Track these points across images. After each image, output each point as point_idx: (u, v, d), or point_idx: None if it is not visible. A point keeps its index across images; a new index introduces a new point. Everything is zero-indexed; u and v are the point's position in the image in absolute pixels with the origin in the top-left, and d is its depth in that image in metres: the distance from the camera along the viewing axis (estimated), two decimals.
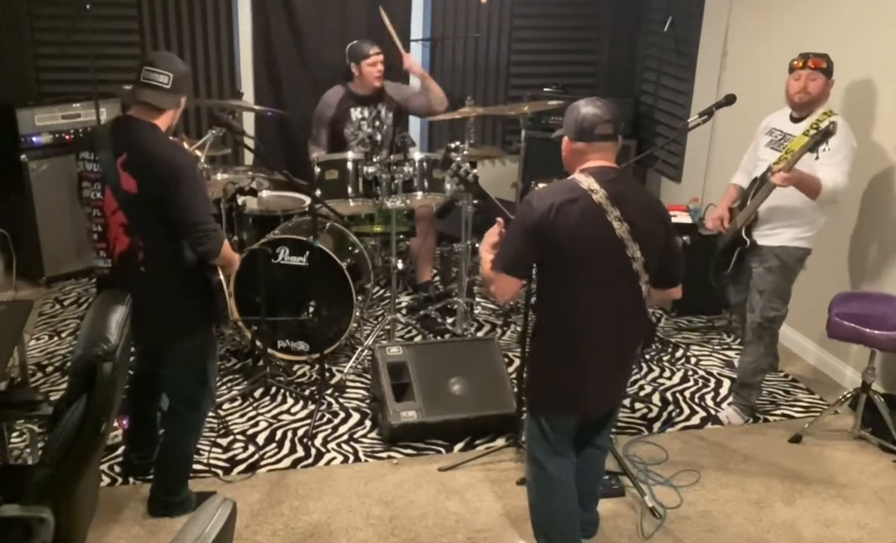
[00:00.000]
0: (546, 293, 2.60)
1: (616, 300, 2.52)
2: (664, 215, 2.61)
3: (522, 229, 2.48)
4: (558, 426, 2.65)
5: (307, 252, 4.00)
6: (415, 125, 5.77)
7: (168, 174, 2.65)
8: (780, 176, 3.37)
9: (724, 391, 4.15)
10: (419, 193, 4.10)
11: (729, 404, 3.98)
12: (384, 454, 3.54)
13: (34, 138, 4.83)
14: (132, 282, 2.72)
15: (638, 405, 3.98)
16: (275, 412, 3.82)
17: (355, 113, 4.76)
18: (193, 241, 2.72)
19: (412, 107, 4.91)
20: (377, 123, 4.60)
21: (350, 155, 4.14)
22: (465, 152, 4.36)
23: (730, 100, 3.76)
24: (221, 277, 2.88)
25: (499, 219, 2.74)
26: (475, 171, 3.03)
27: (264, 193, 4.49)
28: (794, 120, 3.67)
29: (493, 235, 2.68)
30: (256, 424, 3.71)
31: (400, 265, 4.42)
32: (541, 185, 4.65)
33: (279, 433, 3.65)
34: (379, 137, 4.68)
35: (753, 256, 3.74)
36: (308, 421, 3.72)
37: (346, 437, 3.65)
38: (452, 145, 4.12)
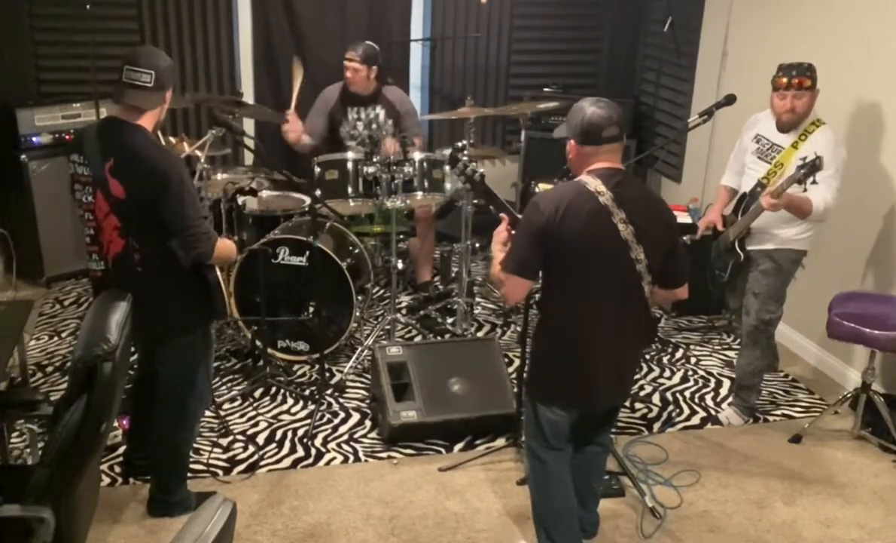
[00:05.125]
0: (550, 292, 2.61)
1: (619, 301, 2.53)
2: (669, 217, 2.62)
3: (530, 231, 2.50)
4: (557, 421, 2.65)
5: (307, 252, 4.00)
6: None
7: (154, 181, 2.63)
8: (769, 202, 3.36)
9: (724, 391, 4.15)
10: (419, 193, 4.10)
11: (729, 404, 3.98)
12: (384, 454, 3.54)
13: (34, 138, 4.83)
14: (129, 282, 2.72)
15: (638, 405, 3.98)
16: (275, 412, 3.82)
17: (351, 113, 4.75)
18: (183, 246, 2.70)
19: (402, 125, 4.81)
20: (374, 125, 4.58)
21: (350, 155, 4.13)
22: (466, 152, 4.35)
23: (730, 100, 3.76)
24: (219, 274, 2.88)
25: (503, 215, 2.76)
26: (482, 170, 3.02)
27: (264, 193, 4.49)
28: (781, 129, 3.65)
29: (501, 233, 2.70)
30: (256, 424, 3.71)
31: (400, 265, 4.42)
32: (541, 185, 4.67)
33: (279, 433, 3.65)
34: (376, 139, 4.66)
35: (748, 261, 3.73)
36: (308, 421, 3.72)
37: (346, 437, 3.65)
38: (459, 144, 4.12)
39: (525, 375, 3.01)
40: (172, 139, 3.48)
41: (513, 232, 2.69)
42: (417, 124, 4.90)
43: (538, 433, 2.69)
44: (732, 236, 3.73)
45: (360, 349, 4.27)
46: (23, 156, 4.77)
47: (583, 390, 2.62)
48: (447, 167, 4.07)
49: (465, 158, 2.98)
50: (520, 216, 2.66)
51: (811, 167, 3.29)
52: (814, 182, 3.32)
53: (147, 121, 2.72)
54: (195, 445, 3.39)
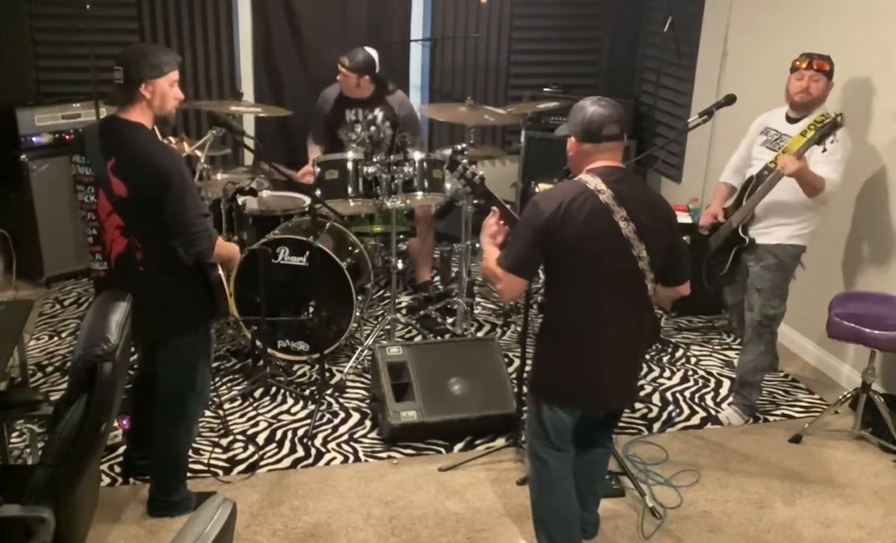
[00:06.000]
0: (552, 291, 2.61)
1: (621, 299, 2.53)
2: (670, 215, 2.62)
3: (530, 230, 2.49)
4: (560, 422, 2.65)
5: (307, 252, 4.00)
6: None
7: (154, 179, 2.63)
8: (791, 161, 3.37)
9: (724, 391, 4.15)
10: (419, 193, 4.10)
11: (729, 404, 3.98)
12: (384, 454, 3.54)
13: (34, 138, 4.83)
14: (131, 282, 2.72)
15: (638, 405, 3.97)
16: (275, 412, 3.82)
17: (349, 114, 4.75)
18: (184, 244, 2.70)
19: (401, 130, 4.78)
20: (372, 127, 4.58)
21: (350, 155, 4.12)
22: (466, 153, 4.35)
23: (730, 100, 3.76)
24: (221, 272, 2.88)
25: (494, 208, 2.75)
26: (482, 173, 3.02)
27: (264, 193, 4.49)
28: (791, 120, 3.67)
29: (490, 226, 2.70)
30: (256, 424, 3.71)
31: (400, 265, 4.41)
32: (541, 185, 4.67)
33: (279, 433, 3.65)
34: (376, 140, 4.65)
35: (750, 254, 3.74)
36: (308, 421, 3.72)
37: (346, 437, 3.65)
38: (459, 147, 4.11)
39: (527, 375, 3.02)
40: (172, 139, 3.48)
41: (502, 223, 2.70)
42: (416, 130, 4.89)
43: (541, 433, 2.69)
44: (737, 220, 3.73)
45: (360, 349, 4.27)
46: (23, 156, 4.77)
47: (586, 389, 2.62)
48: (447, 169, 4.07)
49: (464, 161, 2.98)
50: (520, 218, 2.66)
51: (832, 125, 3.33)
52: (833, 141, 3.36)
53: (140, 117, 2.69)
54: (195, 445, 3.39)
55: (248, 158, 5.44)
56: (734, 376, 4.09)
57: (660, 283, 2.59)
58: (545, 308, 2.69)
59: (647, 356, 4.42)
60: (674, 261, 2.59)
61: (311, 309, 3.96)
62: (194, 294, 2.85)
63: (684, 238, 4.45)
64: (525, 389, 3.19)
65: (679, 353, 4.53)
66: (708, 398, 4.09)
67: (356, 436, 3.66)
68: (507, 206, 2.87)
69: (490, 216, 2.73)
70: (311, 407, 3.82)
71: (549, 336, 2.66)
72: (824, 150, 3.39)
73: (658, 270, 2.54)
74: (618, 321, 2.55)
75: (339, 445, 3.59)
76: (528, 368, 3.15)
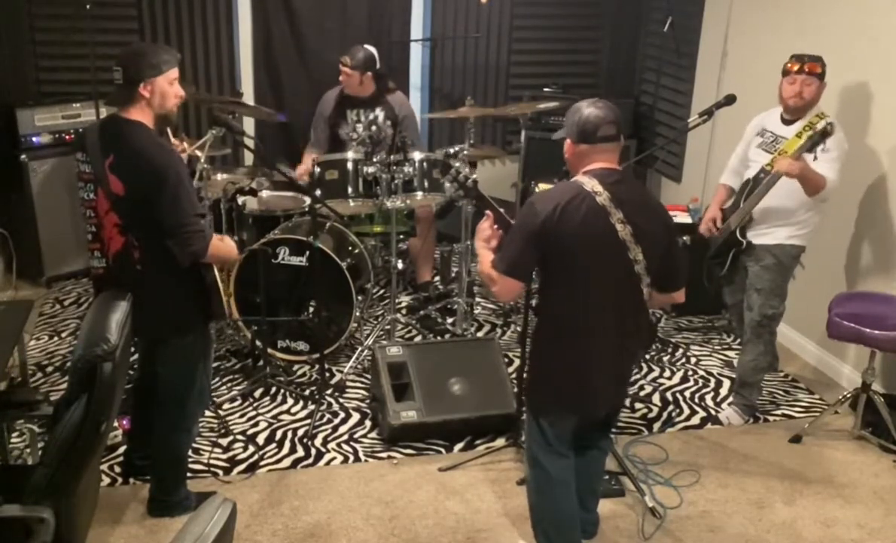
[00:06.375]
0: (548, 294, 2.61)
1: (617, 302, 2.53)
2: (666, 218, 2.62)
3: (526, 233, 2.49)
4: (558, 426, 2.66)
5: (307, 252, 4.00)
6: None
7: (150, 177, 2.63)
8: (790, 164, 3.37)
9: (724, 391, 4.15)
10: (419, 194, 4.10)
11: (729, 404, 3.98)
12: (384, 454, 3.54)
13: (34, 138, 4.84)
14: (128, 280, 2.73)
15: (638, 405, 3.98)
16: (275, 412, 3.82)
17: (351, 115, 4.76)
18: (177, 243, 2.70)
19: (400, 129, 4.80)
20: (373, 127, 4.59)
21: (350, 155, 4.13)
22: (466, 153, 4.35)
23: (730, 100, 3.76)
24: (217, 275, 2.87)
25: (488, 212, 2.75)
26: (474, 176, 3.02)
27: (264, 193, 4.49)
28: (786, 122, 3.67)
29: (484, 230, 2.70)
30: (256, 424, 3.71)
31: (400, 265, 4.41)
32: (541, 185, 4.67)
33: (279, 433, 3.65)
34: (376, 140, 4.65)
35: (749, 255, 3.74)
36: (308, 421, 3.72)
37: (346, 437, 3.65)
38: (451, 150, 4.11)
39: (525, 379, 3.01)
40: (173, 139, 3.49)
41: (496, 227, 2.69)
42: (415, 131, 4.89)
43: (540, 437, 2.68)
44: (735, 222, 3.73)
45: (360, 349, 4.27)
46: (23, 156, 4.77)
47: (582, 393, 2.62)
48: (439, 173, 4.07)
49: (457, 165, 2.98)
50: (513, 222, 2.66)
51: (822, 133, 3.33)
52: (824, 150, 3.37)
53: (140, 116, 2.70)
54: (195, 445, 3.40)
55: (249, 158, 5.44)
56: (734, 376, 4.09)
57: (655, 288, 2.59)
58: (540, 311, 2.68)
59: (647, 356, 4.42)
60: (669, 266, 2.59)
61: (311, 309, 3.96)
62: (191, 295, 2.85)
63: (684, 238, 4.49)
64: (523, 396, 3.19)
65: (679, 353, 4.53)
66: (708, 398, 4.09)
67: (356, 436, 3.66)
68: (503, 209, 2.87)
69: (484, 220, 2.73)
70: (311, 407, 3.82)
71: (544, 339, 2.66)
72: (815, 158, 3.39)
73: (654, 274, 2.54)
74: (612, 324, 2.55)
75: (339, 445, 3.59)
76: (527, 368, 3.14)
